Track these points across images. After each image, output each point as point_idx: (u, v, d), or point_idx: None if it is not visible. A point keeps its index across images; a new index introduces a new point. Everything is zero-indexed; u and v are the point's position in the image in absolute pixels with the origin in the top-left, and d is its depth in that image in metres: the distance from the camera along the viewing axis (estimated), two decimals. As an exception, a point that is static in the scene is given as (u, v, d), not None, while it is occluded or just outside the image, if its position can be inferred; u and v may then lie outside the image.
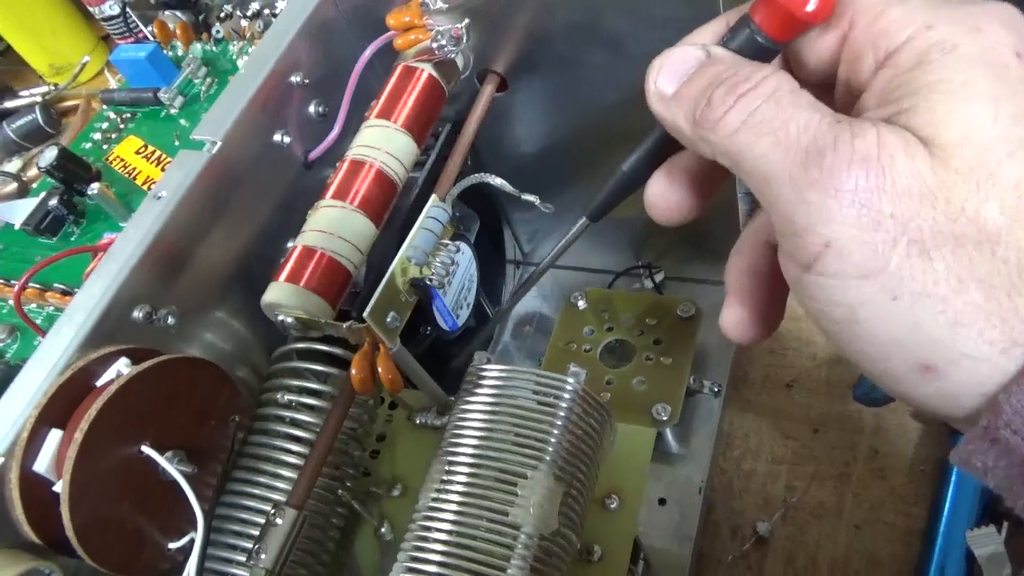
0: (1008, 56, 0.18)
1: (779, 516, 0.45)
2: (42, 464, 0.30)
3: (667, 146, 0.24)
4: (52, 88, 0.88)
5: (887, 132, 0.17)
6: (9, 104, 0.88)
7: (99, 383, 0.32)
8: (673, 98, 0.21)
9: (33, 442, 0.30)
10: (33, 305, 0.43)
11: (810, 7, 0.19)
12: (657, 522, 0.44)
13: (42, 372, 0.31)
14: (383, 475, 0.41)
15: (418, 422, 0.41)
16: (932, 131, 0.17)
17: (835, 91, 0.21)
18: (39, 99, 0.86)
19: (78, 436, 0.29)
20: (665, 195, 0.24)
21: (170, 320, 0.35)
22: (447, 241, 0.36)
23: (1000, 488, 0.18)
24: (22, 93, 0.89)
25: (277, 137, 0.40)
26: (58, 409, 0.30)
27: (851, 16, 0.20)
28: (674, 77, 0.21)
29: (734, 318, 0.24)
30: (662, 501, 0.45)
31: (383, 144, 0.38)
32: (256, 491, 0.35)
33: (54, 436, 0.30)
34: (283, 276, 0.35)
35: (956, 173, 0.17)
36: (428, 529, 0.32)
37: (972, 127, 0.17)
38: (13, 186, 0.76)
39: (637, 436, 0.38)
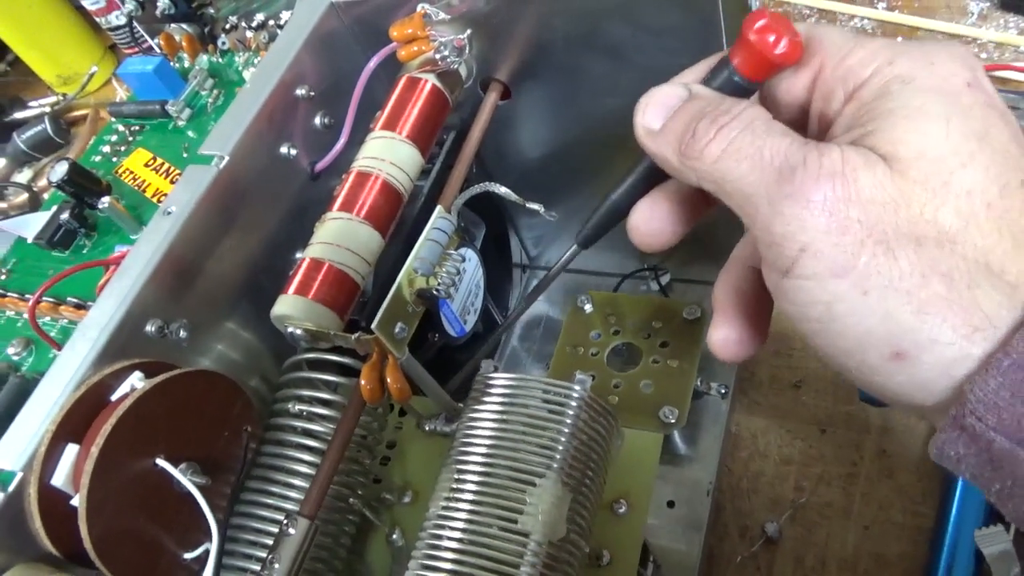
0: (960, 85, 0.20)
1: (787, 516, 0.45)
2: (59, 478, 0.30)
3: (654, 176, 0.26)
4: (60, 98, 0.89)
5: (850, 150, 0.20)
6: (19, 115, 0.89)
7: (114, 397, 0.32)
8: (660, 133, 0.23)
9: (50, 457, 0.30)
10: (47, 318, 0.44)
11: (779, 49, 0.22)
12: (666, 523, 0.45)
13: (58, 387, 0.31)
14: (394, 482, 0.41)
15: (427, 429, 0.42)
16: (892, 148, 0.20)
17: (808, 125, 0.24)
18: (48, 109, 0.87)
19: (94, 451, 0.29)
20: (647, 222, 0.26)
21: (182, 333, 0.35)
22: (452, 251, 0.37)
23: (974, 478, 0.20)
24: (31, 104, 0.90)
25: (283, 149, 0.40)
26: (74, 424, 0.31)
27: (821, 58, 0.23)
28: (660, 113, 0.23)
29: (721, 336, 0.25)
30: (671, 503, 0.46)
31: (388, 155, 0.39)
32: (269, 500, 0.36)
33: (71, 451, 0.31)
34: (292, 289, 0.35)
35: (914, 183, 0.19)
36: (439, 537, 0.32)
37: (927, 143, 0.19)
38: (24, 196, 0.77)
39: (645, 441, 0.39)
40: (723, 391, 0.48)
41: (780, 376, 0.50)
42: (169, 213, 0.35)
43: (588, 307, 0.52)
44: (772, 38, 0.22)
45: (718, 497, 0.46)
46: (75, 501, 0.29)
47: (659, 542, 0.44)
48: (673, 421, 0.45)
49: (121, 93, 0.86)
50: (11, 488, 0.29)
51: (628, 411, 0.46)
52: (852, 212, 0.19)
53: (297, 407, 0.37)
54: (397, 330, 0.34)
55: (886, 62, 0.21)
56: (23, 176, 0.84)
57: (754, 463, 0.47)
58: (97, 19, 0.80)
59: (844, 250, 0.19)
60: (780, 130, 0.21)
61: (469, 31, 0.40)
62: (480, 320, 0.50)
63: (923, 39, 0.61)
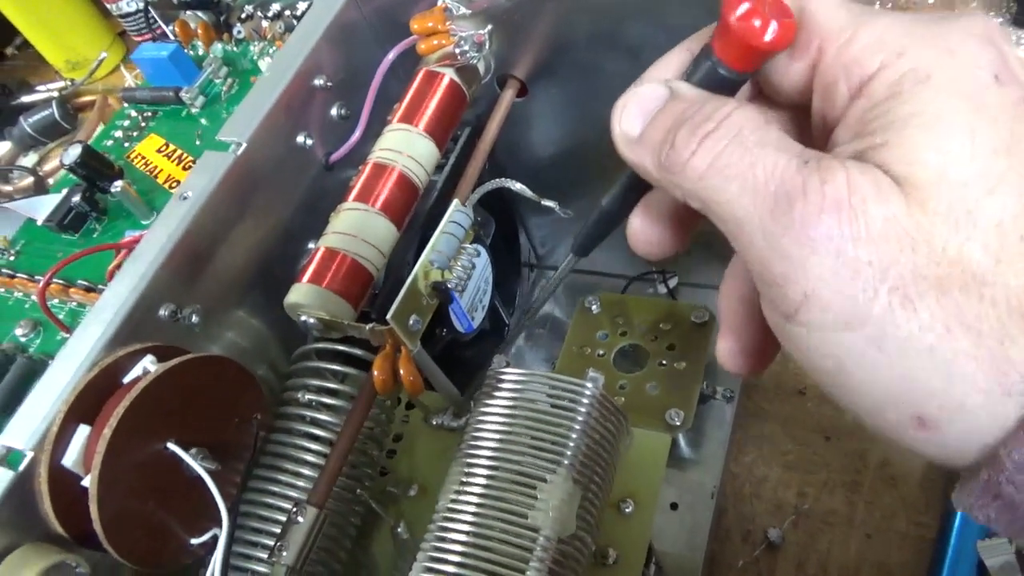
0: (986, 79, 0.17)
1: (790, 522, 0.45)
2: (70, 459, 0.30)
3: (644, 183, 0.23)
4: (68, 83, 0.89)
5: (857, 174, 0.17)
6: (26, 99, 0.89)
7: (126, 380, 0.32)
8: (638, 141, 0.20)
9: (62, 437, 0.30)
10: (56, 301, 0.44)
11: (768, 36, 0.18)
12: (669, 526, 0.45)
13: (70, 368, 0.31)
14: (400, 475, 0.41)
15: (434, 423, 0.42)
16: (907, 169, 0.17)
17: (811, 119, 0.21)
18: (55, 94, 0.87)
19: (107, 432, 0.29)
20: (645, 232, 0.24)
21: (194, 319, 0.35)
22: (467, 245, 0.37)
23: (1006, 535, 0.18)
24: (39, 88, 0.90)
25: (300, 139, 0.40)
26: (86, 405, 0.31)
27: (818, 43, 0.19)
28: (638, 118, 0.20)
29: (727, 348, 0.23)
30: (674, 505, 0.46)
31: (405, 148, 0.39)
32: (276, 489, 0.36)
33: (82, 432, 0.31)
34: (306, 277, 0.35)
35: (933, 214, 0.16)
36: (447, 530, 0.32)
37: (948, 164, 0.16)
38: (29, 180, 0.77)
39: (653, 441, 0.39)
40: (728, 395, 0.48)
41: (785, 382, 0.50)
42: (185, 198, 0.35)
43: (596, 308, 0.52)
44: (758, 23, 0.18)
45: (721, 501, 0.46)
46: (86, 482, 0.29)
47: (662, 545, 0.44)
48: (679, 423, 0.45)
49: (130, 80, 0.85)
50: (21, 468, 0.29)
51: (634, 412, 0.46)
52: (862, 252, 0.16)
53: (307, 396, 0.37)
54: (411, 322, 0.34)
55: (896, 52, 0.18)
56: (28, 160, 0.83)
57: (758, 468, 0.47)
58: (108, 5, 0.80)
59: (854, 298, 0.16)
60: (774, 141, 0.18)
61: (490, 27, 0.40)
62: (487, 317, 0.50)
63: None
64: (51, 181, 0.78)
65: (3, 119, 0.85)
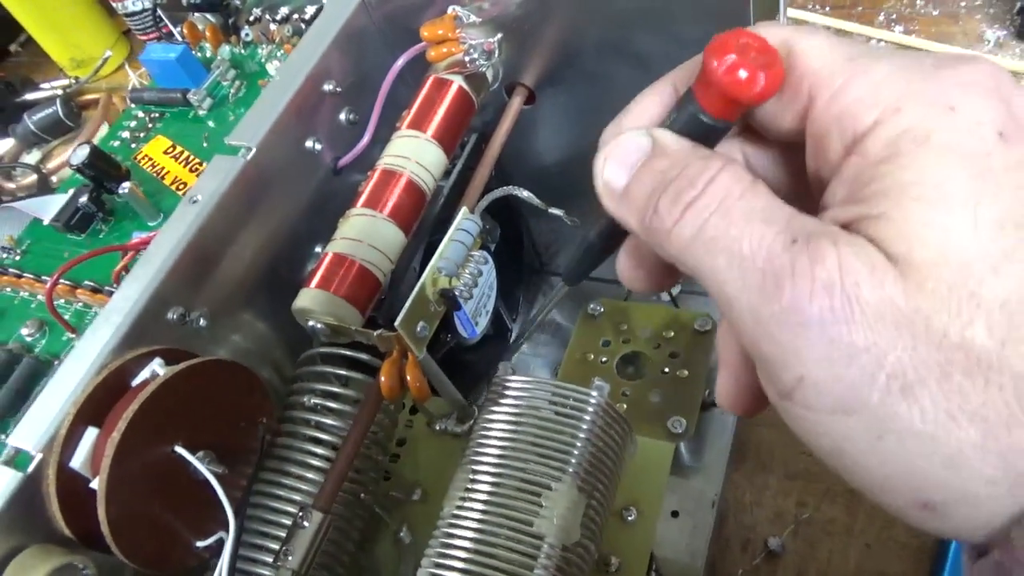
0: (989, 139, 0.16)
1: (790, 531, 0.45)
2: (78, 461, 0.30)
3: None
4: (73, 81, 0.89)
5: (849, 255, 0.16)
6: (30, 96, 0.89)
7: (134, 383, 0.32)
8: (622, 198, 0.19)
9: (70, 440, 0.30)
10: (62, 301, 0.44)
11: (755, 89, 0.17)
12: (670, 534, 0.45)
13: (79, 371, 0.31)
14: (403, 479, 0.42)
15: (438, 428, 0.42)
16: (904, 247, 0.16)
17: (806, 163, 0.19)
18: (60, 92, 0.87)
19: (116, 435, 0.29)
20: (633, 271, 0.23)
21: (202, 322, 0.35)
22: (475, 252, 0.37)
23: None
24: (43, 85, 0.90)
25: (309, 144, 0.40)
26: (94, 407, 0.31)
27: (810, 89, 0.18)
28: (621, 170, 0.19)
29: (726, 389, 0.21)
30: (675, 513, 0.46)
31: (414, 154, 0.39)
32: (281, 492, 0.36)
33: (90, 434, 0.31)
34: (314, 282, 0.36)
35: (933, 296, 0.15)
36: (452, 536, 0.32)
37: (949, 242, 0.15)
38: (33, 178, 0.77)
39: (656, 450, 0.39)
40: (730, 404, 0.48)
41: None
42: (195, 202, 0.35)
43: (599, 314, 0.53)
44: (744, 74, 0.17)
45: (722, 509, 0.46)
46: (94, 484, 0.29)
47: (662, 552, 0.44)
48: (681, 431, 0.45)
49: (134, 79, 0.85)
50: (30, 470, 0.29)
51: (636, 420, 0.46)
52: (857, 338, 0.15)
53: (312, 400, 0.37)
54: (419, 329, 0.34)
55: (892, 108, 0.16)
56: (31, 157, 0.83)
57: (758, 477, 0.48)
58: (113, 4, 0.81)
59: (850, 385, 0.15)
60: (761, 211, 0.17)
61: (500, 35, 0.40)
62: (491, 323, 0.50)
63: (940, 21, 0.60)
64: (55, 179, 0.79)
65: (7, 116, 0.85)
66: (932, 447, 0.15)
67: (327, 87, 0.41)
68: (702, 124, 0.19)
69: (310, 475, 0.36)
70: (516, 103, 0.43)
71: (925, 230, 0.15)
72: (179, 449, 0.32)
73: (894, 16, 0.63)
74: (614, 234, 0.23)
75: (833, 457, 0.17)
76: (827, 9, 0.65)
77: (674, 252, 0.18)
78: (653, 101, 0.21)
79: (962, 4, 0.62)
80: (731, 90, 0.17)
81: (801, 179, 0.20)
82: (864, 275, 0.15)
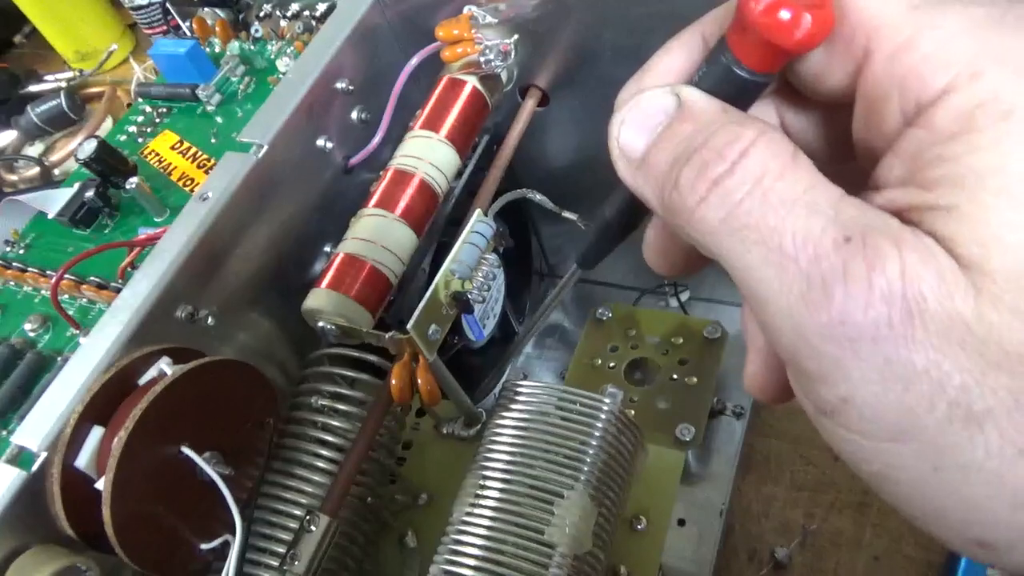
0: None
1: (797, 543, 0.45)
2: (83, 460, 0.30)
3: None
4: (77, 74, 0.88)
5: (915, 261, 0.13)
6: (33, 88, 0.88)
7: (141, 381, 0.32)
8: (639, 167, 0.17)
9: (75, 438, 0.30)
10: (66, 296, 0.43)
11: (798, 33, 0.15)
12: (676, 543, 0.45)
13: (86, 369, 0.31)
14: (409, 483, 0.41)
15: (444, 432, 0.42)
16: (979, 253, 0.13)
17: (853, 132, 0.17)
18: (63, 84, 0.86)
19: (123, 434, 0.29)
20: (661, 248, 0.20)
21: (210, 320, 0.35)
22: (488, 255, 0.37)
23: None
24: (47, 77, 0.89)
25: (320, 142, 0.40)
26: (101, 406, 0.30)
27: (866, 42, 0.15)
28: (640, 134, 0.17)
29: (754, 374, 0.19)
30: (681, 521, 0.45)
31: (427, 155, 0.38)
32: (286, 495, 0.35)
33: (96, 433, 0.30)
34: (325, 283, 0.35)
35: (1010, 314, 0.13)
36: (461, 543, 0.32)
37: None
38: (36, 170, 0.77)
39: (667, 458, 0.39)
40: (739, 411, 0.48)
41: (796, 400, 0.50)
42: (205, 199, 0.35)
43: (607, 319, 0.52)
44: (786, 15, 0.14)
45: (728, 518, 0.46)
46: (99, 484, 0.29)
47: (668, 560, 0.44)
48: (689, 439, 0.45)
49: (139, 72, 0.85)
50: (34, 468, 0.29)
51: (644, 427, 0.46)
52: (918, 358, 0.13)
53: (320, 402, 0.37)
54: (431, 331, 0.33)
55: (969, 72, 0.14)
56: (34, 150, 0.83)
57: (766, 486, 0.47)
58: (121, -3, 0.80)
59: (905, 412, 0.14)
60: (804, 194, 0.14)
61: (516, 36, 0.40)
62: (497, 325, 0.50)
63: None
64: (57, 172, 0.78)
65: (10, 108, 0.84)
66: (997, 486, 0.14)
67: (339, 85, 0.40)
68: (737, 79, 0.16)
69: (316, 478, 0.36)
70: (529, 105, 0.43)
71: (1006, 233, 0.13)
72: (186, 450, 0.31)
73: None
74: (634, 211, 0.21)
75: (878, 480, 0.15)
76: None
77: (697, 236, 0.16)
78: (679, 55, 0.18)
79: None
80: (771, 33, 0.15)
81: (846, 146, 0.17)
82: (931, 286, 0.13)
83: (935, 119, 0.14)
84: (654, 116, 0.17)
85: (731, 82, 0.16)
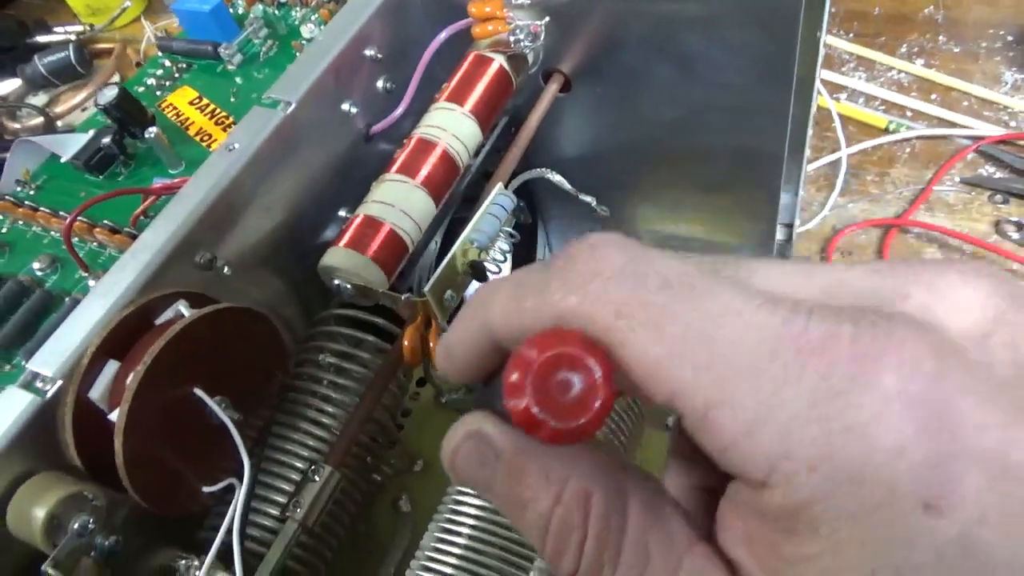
0: None
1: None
2: (96, 392, 0.30)
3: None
4: (87, 28, 0.88)
5: None
6: (41, 38, 0.88)
7: (158, 322, 0.32)
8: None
9: (91, 370, 0.30)
10: (77, 239, 0.44)
11: (545, 436, 0.15)
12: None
13: (104, 304, 0.31)
14: (406, 449, 0.42)
15: (444, 401, 0.42)
16: None
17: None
18: (73, 37, 0.86)
19: (140, 369, 0.29)
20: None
21: (226, 270, 0.35)
22: (507, 228, 0.37)
23: None
24: (56, 29, 0.89)
25: (345, 106, 0.40)
26: (117, 342, 0.31)
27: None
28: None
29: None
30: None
31: (451, 127, 0.39)
32: (289, 447, 0.36)
33: (111, 367, 0.31)
34: (344, 241, 0.36)
35: None
36: (444, 540, 0.32)
37: None
38: (39, 120, 0.76)
39: (655, 441, 0.39)
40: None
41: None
42: (232, 149, 0.35)
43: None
44: (538, 418, 0.15)
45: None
46: (113, 416, 0.29)
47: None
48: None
49: (150, 33, 0.85)
50: (48, 395, 0.29)
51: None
52: None
53: (328, 360, 0.37)
54: (447, 297, 0.34)
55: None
56: (37, 100, 0.82)
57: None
58: (139, -46, 0.80)
59: None
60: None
61: (547, 18, 0.40)
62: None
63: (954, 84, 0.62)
64: (60, 124, 0.78)
65: (17, 56, 0.84)
66: None
67: (368, 52, 0.41)
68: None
69: (319, 432, 0.36)
70: (552, 89, 0.44)
71: None
72: (198, 391, 0.31)
73: (916, 49, 0.64)
74: None
75: None
76: (851, 35, 0.67)
77: None
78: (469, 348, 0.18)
79: (983, 44, 0.63)
80: (526, 430, 0.15)
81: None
82: None
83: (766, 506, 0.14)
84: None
85: None
